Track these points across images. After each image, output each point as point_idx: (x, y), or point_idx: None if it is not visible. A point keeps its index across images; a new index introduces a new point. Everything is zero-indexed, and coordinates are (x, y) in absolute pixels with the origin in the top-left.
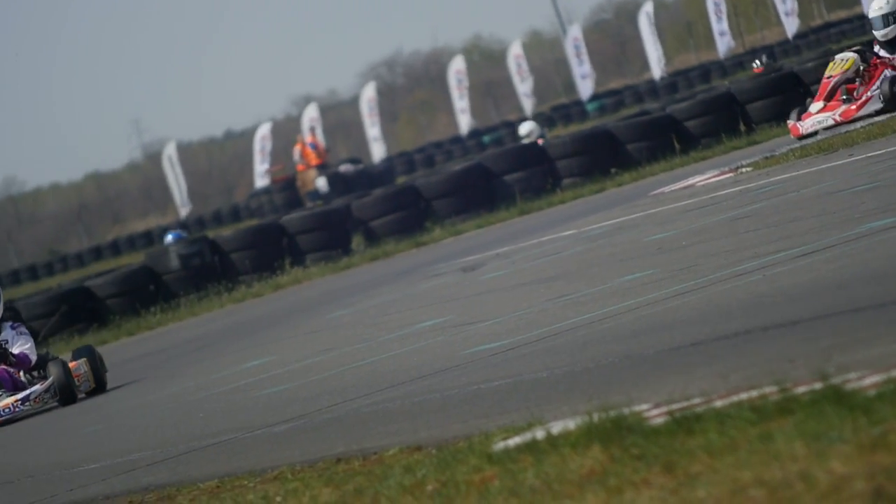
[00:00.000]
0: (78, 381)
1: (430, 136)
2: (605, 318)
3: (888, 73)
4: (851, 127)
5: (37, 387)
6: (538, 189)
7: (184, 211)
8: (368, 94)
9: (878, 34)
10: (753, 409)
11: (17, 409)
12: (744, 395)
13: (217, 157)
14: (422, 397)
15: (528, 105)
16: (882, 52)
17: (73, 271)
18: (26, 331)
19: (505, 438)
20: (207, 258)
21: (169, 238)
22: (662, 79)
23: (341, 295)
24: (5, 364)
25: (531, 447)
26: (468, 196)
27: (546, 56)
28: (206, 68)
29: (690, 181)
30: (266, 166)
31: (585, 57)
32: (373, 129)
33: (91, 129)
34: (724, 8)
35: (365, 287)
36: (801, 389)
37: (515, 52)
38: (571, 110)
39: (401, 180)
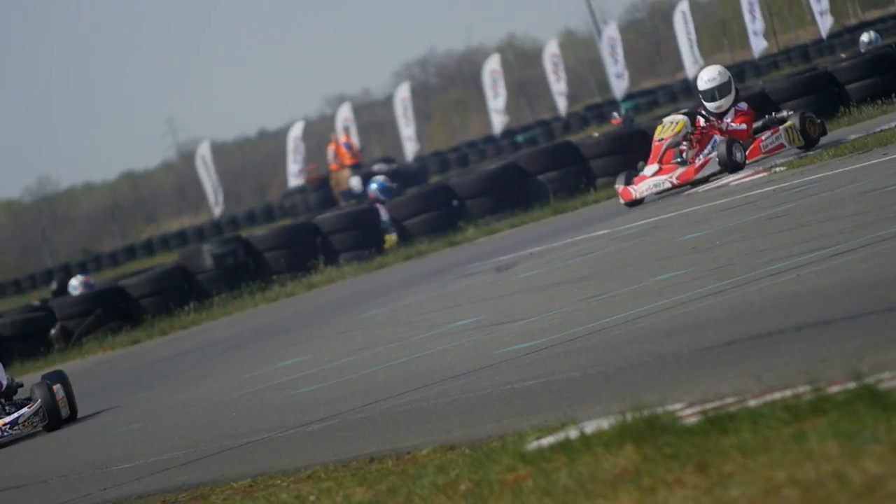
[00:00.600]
0: (59, 404)
1: (463, 136)
2: (639, 318)
3: (717, 137)
4: (694, 190)
5: (25, 410)
6: (572, 188)
7: (217, 210)
8: (402, 93)
9: (711, 106)
10: (787, 408)
11: (5, 434)
12: (777, 395)
13: (251, 157)
14: (455, 397)
15: (562, 104)
16: (711, 116)
17: (107, 271)
18: None
19: (538, 438)
20: (241, 258)
21: (73, 283)
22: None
23: (374, 294)
24: None
25: (564, 447)
26: (502, 195)
27: (580, 56)
28: (241, 68)
29: (724, 181)
30: (300, 166)
31: (620, 56)
32: (407, 129)
33: (125, 129)
34: (758, 7)
35: (398, 286)
36: (834, 389)
37: (552, 51)
38: (605, 110)
39: (434, 180)
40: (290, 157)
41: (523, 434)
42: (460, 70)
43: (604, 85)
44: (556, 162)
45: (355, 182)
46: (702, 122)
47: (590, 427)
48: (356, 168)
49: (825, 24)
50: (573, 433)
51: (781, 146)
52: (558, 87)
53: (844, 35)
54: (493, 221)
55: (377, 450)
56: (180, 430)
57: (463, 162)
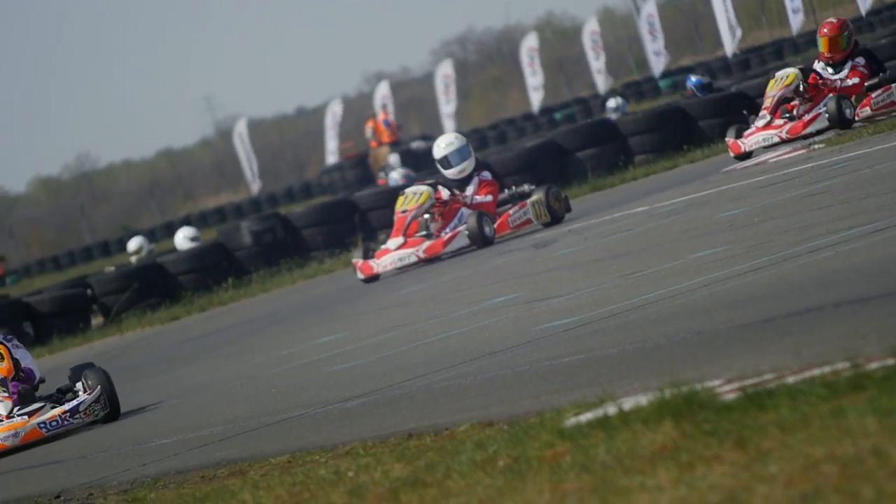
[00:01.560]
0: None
1: (501, 113)
2: (677, 295)
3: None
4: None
5: (85, 397)
6: (610, 166)
7: (255, 187)
8: (444, 70)
9: (450, 173)
10: (826, 384)
11: (65, 423)
12: (816, 371)
13: (289, 134)
14: (493, 373)
15: (600, 82)
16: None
17: None
18: (22, 345)
19: (576, 414)
20: (279, 234)
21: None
22: (735, 56)
23: (413, 271)
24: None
25: (603, 423)
26: (541, 173)
27: (618, 33)
28: (279, 45)
29: (763, 157)
30: (338, 143)
31: (659, 33)
32: (447, 106)
33: (163, 106)
34: None
35: (436, 263)
36: (873, 365)
37: (591, 29)
38: (643, 87)
39: None
40: (329, 134)
41: (562, 410)
42: (499, 48)
43: (642, 62)
44: (595, 139)
45: (393, 159)
46: (444, 194)
47: (628, 403)
48: (394, 145)
49: (865, 1)
50: (611, 409)
51: (528, 221)
52: (597, 64)
53: (884, 12)
54: None
55: (415, 426)
56: (219, 406)
57: (501, 139)
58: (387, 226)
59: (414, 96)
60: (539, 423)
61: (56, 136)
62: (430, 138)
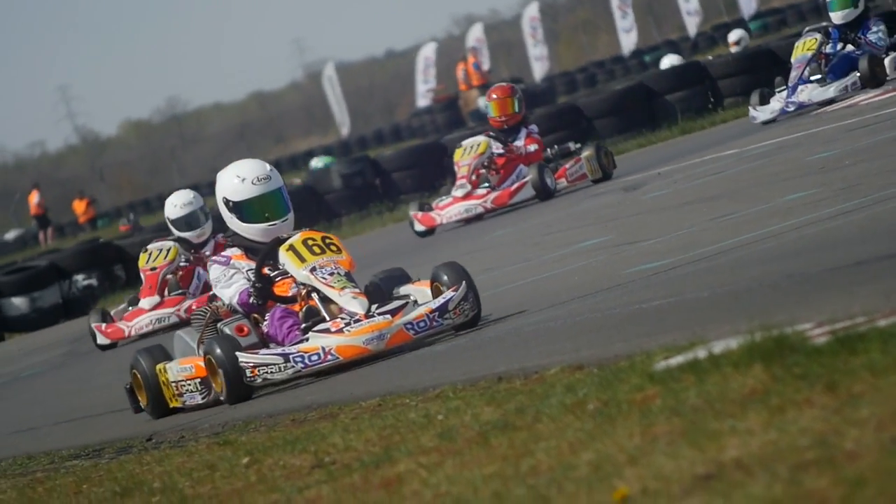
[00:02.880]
0: None
1: (591, 56)
2: (768, 238)
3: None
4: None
5: (452, 293)
6: (700, 108)
7: (345, 130)
8: (531, 13)
9: (191, 235)
10: None
11: (434, 323)
12: None
13: (378, 77)
14: (583, 316)
15: (691, 24)
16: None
17: None
18: None
19: (666, 357)
20: (369, 178)
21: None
22: None
23: (502, 214)
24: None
25: (693, 366)
26: (629, 116)
27: None
28: None
29: (855, 100)
30: (428, 86)
31: None
32: (535, 49)
33: (253, 49)
34: None
35: (526, 206)
36: None
37: None
38: (733, 29)
39: (562, 100)
40: (419, 77)
41: (651, 354)
42: None
43: (731, 4)
44: (684, 82)
45: (483, 102)
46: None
47: (718, 347)
48: (484, 88)
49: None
50: (701, 353)
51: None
52: (688, 6)
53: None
54: (620, 141)
55: (505, 369)
56: None
57: (591, 82)
58: None
59: (504, 39)
60: (629, 366)
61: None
62: (520, 81)
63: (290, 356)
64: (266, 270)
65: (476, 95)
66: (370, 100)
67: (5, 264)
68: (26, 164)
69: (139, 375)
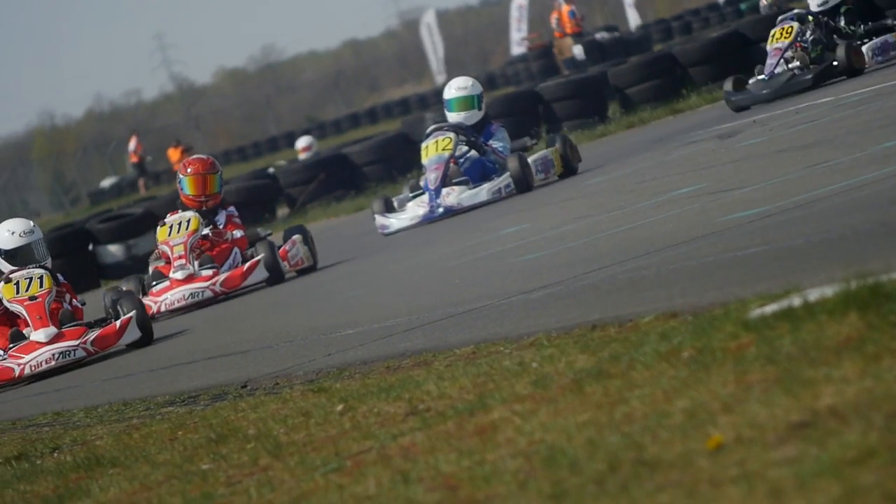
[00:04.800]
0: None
1: (686, 4)
2: (863, 186)
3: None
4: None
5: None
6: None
7: (440, 79)
8: None
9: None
10: None
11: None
12: None
13: (473, 25)
14: (677, 264)
15: None
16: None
17: (331, 138)
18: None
19: (761, 306)
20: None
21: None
22: None
23: (598, 162)
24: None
25: (787, 314)
26: (725, 63)
27: None
28: None
29: None
30: (523, 34)
31: None
32: None
33: None
34: None
35: (620, 154)
36: None
37: None
38: None
39: (657, 48)
40: (514, 25)
41: (746, 302)
42: None
43: None
44: None
45: (578, 50)
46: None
47: (813, 295)
48: (578, 36)
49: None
50: (796, 301)
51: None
52: None
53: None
54: (716, 89)
55: (599, 317)
56: (403, 296)
57: (686, 30)
58: (571, 117)
59: None
60: (724, 314)
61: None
62: (614, 29)
63: None
64: None
65: (570, 43)
66: (465, 48)
67: (101, 212)
68: (122, 113)
69: None
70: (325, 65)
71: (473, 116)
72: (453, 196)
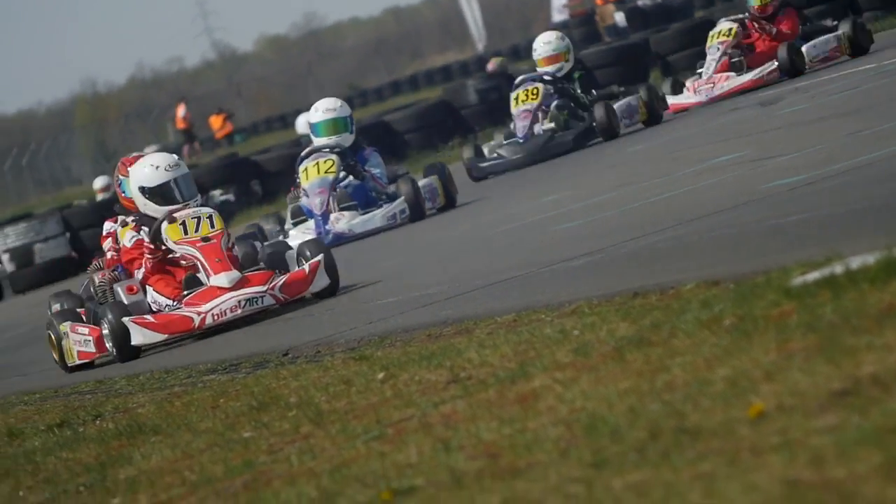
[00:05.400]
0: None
1: None
2: None
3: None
4: None
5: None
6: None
7: (481, 46)
8: None
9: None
10: None
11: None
12: None
13: None
14: (719, 232)
15: None
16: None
17: (373, 106)
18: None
19: (803, 273)
20: (505, 92)
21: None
22: None
23: (638, 128)
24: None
25: (829, 282)
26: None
27: None
28: None
29: None
30: (564, 1)
31: None
32: None
33: None
34: None
35: (662, 121)
36: None
37: None
38: None
39: (699, 14)
40: None
41: (788, 269)
42: None
43: None
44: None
45: (620, 17)
46: None
47: (855, 262)
48: (620, 3)
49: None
50: (838, 269)
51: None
52: None
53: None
54: None
55: (641, 285)
56: (444, 264)
57: None
58: (613, 83)
59: None
60: (765, 282)
61: None
62: None
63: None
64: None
65: (612, 10)
66: (507, 15)
67: None
68: (164, 80)
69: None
70: (367, 32)
71: (345, 140)
72: (343, 222)
